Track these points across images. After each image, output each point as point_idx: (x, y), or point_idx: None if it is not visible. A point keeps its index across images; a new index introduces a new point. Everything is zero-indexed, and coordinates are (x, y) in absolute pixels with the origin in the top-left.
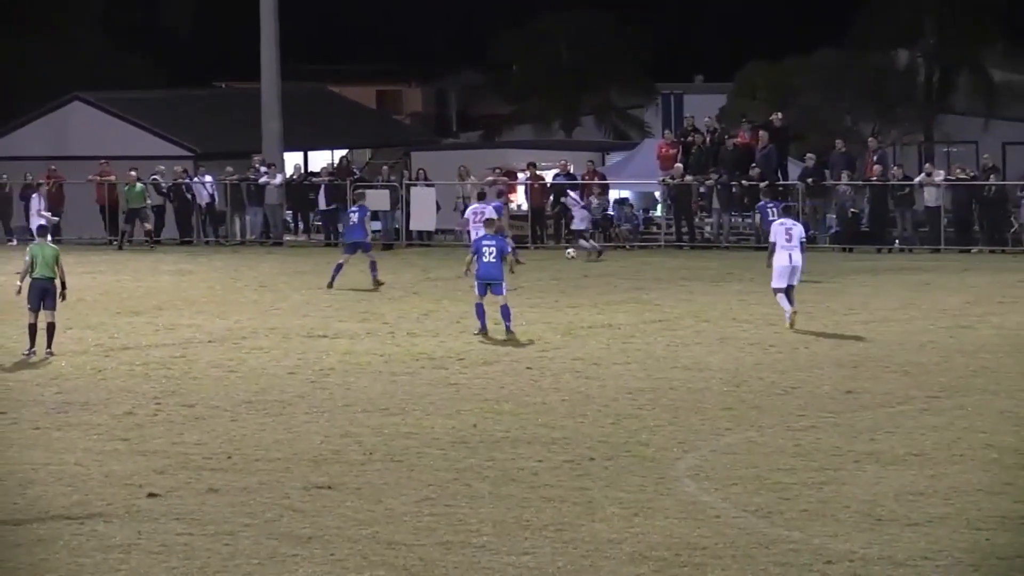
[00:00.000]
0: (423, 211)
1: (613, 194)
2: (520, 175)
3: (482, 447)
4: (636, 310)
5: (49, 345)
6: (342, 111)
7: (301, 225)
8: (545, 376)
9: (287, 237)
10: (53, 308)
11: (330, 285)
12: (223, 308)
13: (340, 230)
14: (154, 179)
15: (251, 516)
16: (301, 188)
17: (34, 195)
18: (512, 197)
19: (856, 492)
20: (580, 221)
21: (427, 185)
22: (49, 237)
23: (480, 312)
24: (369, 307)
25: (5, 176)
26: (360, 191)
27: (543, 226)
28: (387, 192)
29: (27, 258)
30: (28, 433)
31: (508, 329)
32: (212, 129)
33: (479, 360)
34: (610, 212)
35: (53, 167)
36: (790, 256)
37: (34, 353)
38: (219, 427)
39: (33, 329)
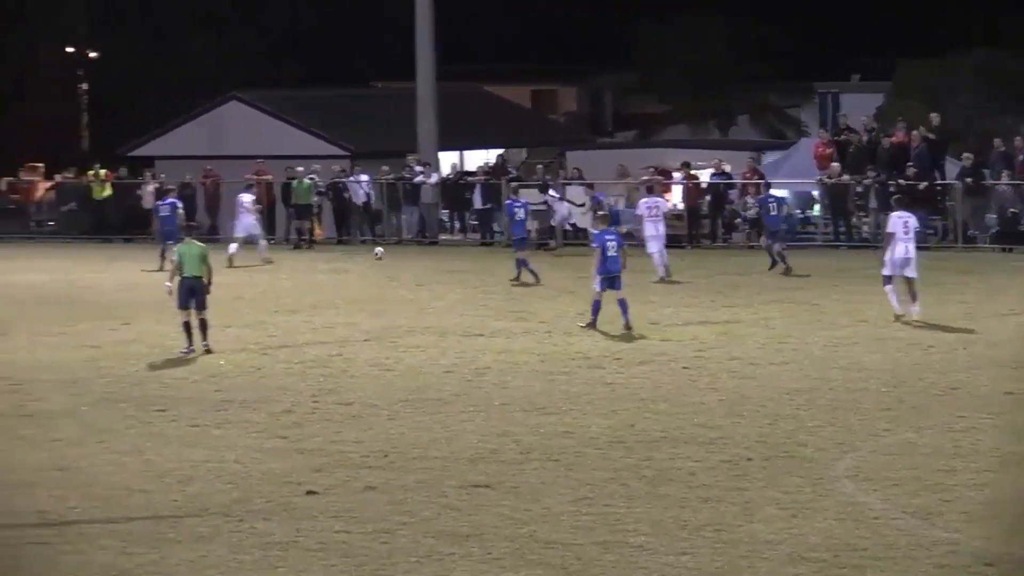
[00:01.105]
0: (578, 210)
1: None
2: (675, 174)
3: (639, 447)
4: (792, 310)
5: (204, 339)
6: (497, 110)
7: (457, 224)
8: (702, 376)
9: (442, 236)
10: (203, 307)
11: (536, 279)
12: (380, 307)
13: (496, 228)
14: (311, 178)
15: (408, 514)
16: (456, 187)
17: (246, 195)
18: (668, 197)
19: (1017, 494)
20: (560, 220)
21: (582, 184)
22: (249, 237)
23: (597, 308)
24: (525, 306)
25: (163, 176)
26: (514, 185)
27: (698, 226)
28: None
29: (175, 258)
30: (187, 431)
31: (627, 323)
32: (368, 128)
33: (636, 360)
34: None
35: (209, 167)
36: (906, 248)
37: (193, 351)
38: (377, 425)
39: (188, 327)
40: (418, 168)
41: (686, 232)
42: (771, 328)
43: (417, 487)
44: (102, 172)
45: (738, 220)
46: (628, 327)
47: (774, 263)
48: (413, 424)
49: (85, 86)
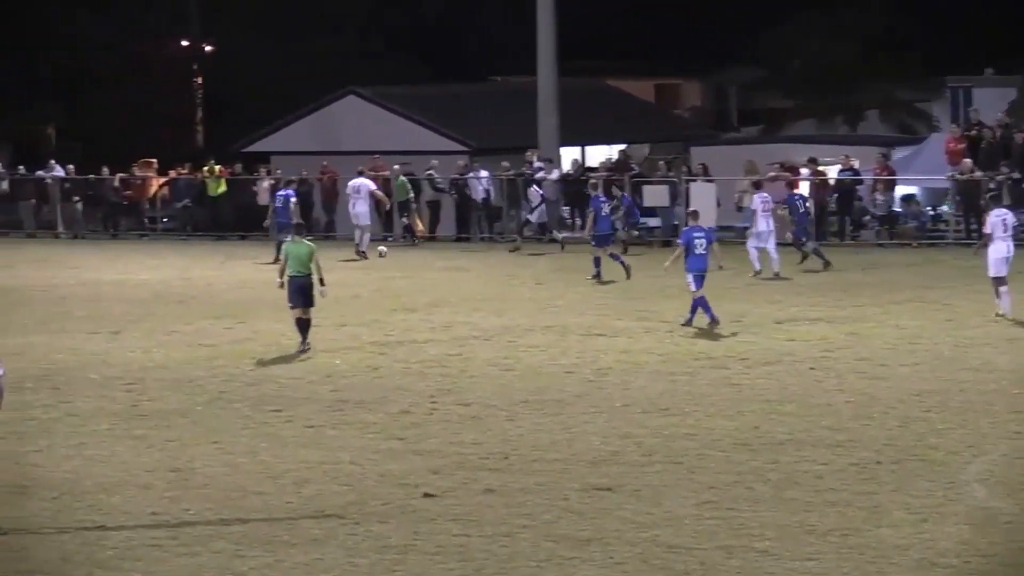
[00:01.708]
0: (703, 207)
1: (900, 190)
2: (802, 170)
3: (764, 449)
4: (922, 309)
5: (304, 338)
6: (620, 105)
7: (578, 221)
8: (829, 377)
9: (563, 234)
10: (310, 304)
11: (598, 278)
12: (499, 305)
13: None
14: (429, 174)
15: (529, 517)
16: (578, 183)
17: (361, 184)
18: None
19: None
20: (536, 216)
21: (707, 181)
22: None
23: (704, 304)
24: (647, 305)
25: (279, 171)
26: (594, 182)
27: (826, 223)
28: (666, 188)
29: (282, 256)
30: (303, 431)
31: (690, 321)
32: (488, 124)
33: (761, 360)
34: (896, 209)
35: (325, 163)
36: (1007, 246)
37: (308, 347)
38: (496, 426)
39: (300, 323)
40: (538, 164)
41: (813, 230)
42: (900, 328)
43: (537, 490)
44: (217, 168)
45: (867, 217)
46: (688, 323)
47: (805, 258)
48: (533, 425)
49: (200, 80)
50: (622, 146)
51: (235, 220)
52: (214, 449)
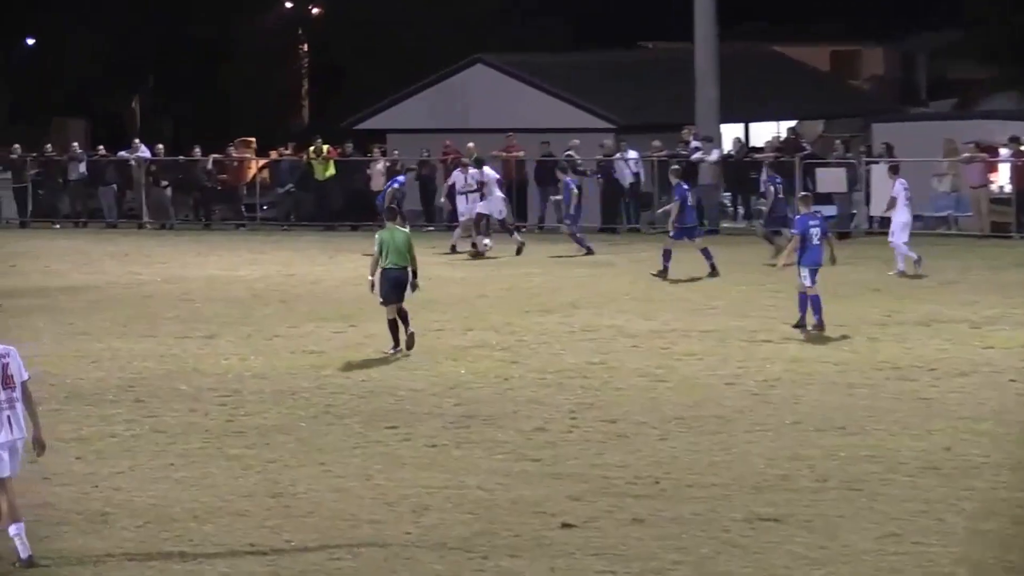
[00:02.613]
0: (887, 193)
1: None
2: (1001, 151)
3: (957, 474)
4: None
5: (408, 326)
6: (789, 75)
7: (740, 210)
8: None
9: (724, 224)
10: (401, 299)
11: (663, 275)
12: (648, 306)
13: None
14: (568, 155)
15: (683, 551)
16: (741, 166)
17: (458, 172)
18: (992, 178)
19: None
20: (498, 212)
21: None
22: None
23: (805, 303)
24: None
25: (396, 152)
26: (676, 167)
27: None
28: (843, 171)
29: (376, 246)
30: (423, 451)
31: (820, 323)
32: (636, 97)
33: (953, 370)
34: None
35: (449, 142)
36: None
37: (400, 351)
38: (645, 447)
39: (394, 325)
40: (696, 143)
41: (1014, 220)
42: None
43: (693, 520)
44: (324, 148)
45: None
46: (821, 327)
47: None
48: (688, 445)
49: (306, 48)
50: (792, 123)
51: (345, 208)
52: (320, 471)
